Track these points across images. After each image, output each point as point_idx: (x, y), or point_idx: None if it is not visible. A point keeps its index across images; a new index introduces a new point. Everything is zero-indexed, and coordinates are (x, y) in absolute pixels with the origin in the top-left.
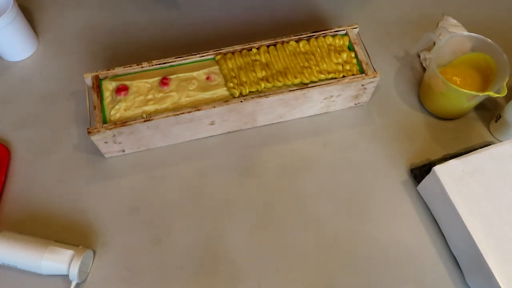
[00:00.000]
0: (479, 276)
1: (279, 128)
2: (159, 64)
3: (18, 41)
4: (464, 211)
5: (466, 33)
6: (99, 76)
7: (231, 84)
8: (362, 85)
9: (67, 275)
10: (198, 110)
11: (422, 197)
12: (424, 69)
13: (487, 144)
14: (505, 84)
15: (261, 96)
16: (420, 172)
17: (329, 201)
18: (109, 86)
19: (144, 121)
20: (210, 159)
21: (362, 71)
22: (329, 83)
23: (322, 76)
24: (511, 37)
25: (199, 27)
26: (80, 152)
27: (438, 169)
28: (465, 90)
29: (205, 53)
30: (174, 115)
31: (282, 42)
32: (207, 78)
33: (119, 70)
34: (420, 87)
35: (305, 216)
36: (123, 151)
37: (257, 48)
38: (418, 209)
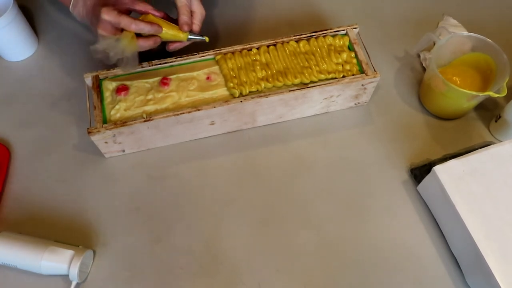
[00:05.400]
0: (479, 276)
1: (279, 128)
2: (159, 64)
3: (18, 41)
4: (464, 211)
5: (466, 33)
6: (99, 76)
7: (231, 84)
8: (362, 85)
9: (67, 275)
10: (198, 110)
11: (422, 197)
12: (424, 69)
13: (487, 144)
14: (505, 84)
15: (261, 96)
16: (420, 172)
17: (329, 201)
18: (109, 86)
19: (144, 121)
20: (210, 159)
21: (362, 71)
22: (329, 83)
23: (322, 76)
24: (511, 37)
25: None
26: (80, 152)
27: (438, 169)
28: (465, 90)
29: (205, 53)
30: (174, 115)
31: (282, 42)
32: (207, 78)
33: (119, 70)
34: (420, 87)
35: (305, 216)
36: (123, 151)
37: (257, 48)
38: (418, 209)
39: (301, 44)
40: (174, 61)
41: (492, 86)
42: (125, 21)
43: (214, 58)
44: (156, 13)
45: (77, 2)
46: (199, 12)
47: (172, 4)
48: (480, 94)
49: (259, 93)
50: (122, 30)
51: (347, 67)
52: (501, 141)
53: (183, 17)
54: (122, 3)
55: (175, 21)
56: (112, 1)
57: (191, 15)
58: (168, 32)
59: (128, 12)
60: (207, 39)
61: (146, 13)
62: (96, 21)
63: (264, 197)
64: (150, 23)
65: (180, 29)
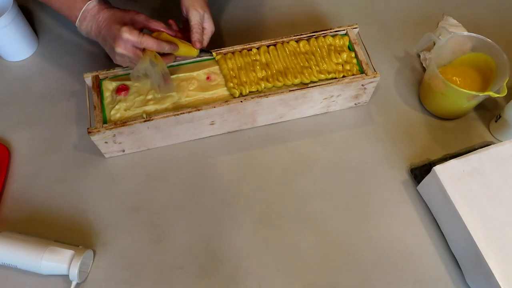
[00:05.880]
0: (479, 276)
1: (279, 128)
2: None
3: (18, 41)
4: (464, 211)
5: (466, 33)
6: (99, 76)
7: (231, 84)
8: (362, 85)
9: (67, 275)
10: (198, 110)
11: (422, 197)
12: (424, 69)
13: (487, 144)
14: (505, 84)
15: (261, 96)
16: (420, 172)
17: (329, 201)
18: (109, 86)
19: (144, 121)
20: (210, 159)
21: (362, 71)
22: (329, 83)
23: (322, 76)
24: (511, 37)
25: None
26: (80, 152)
27: (438, 169)
28: (465, 90)
29: None
30: (174, 115)
31: (282, 42)
32: (207, 78)
33: (119, 70)
34: (420, 87)
35: (305, 216)
36: (123, 151)
37: (257, 48)
38: (418, 209)
39: (301, 44)
40: (174, 61)
41: (492, 86)
42: (148, 41)
43: (214, 58)
44: (170, 32)
45: (85, 17)
46: (209, 29)
47: (176, 14)
48: (480, 94)
49: (259, 93)
50: (142, 49)
51: (347, 67)
52: (501, 141)
53: (196, 35)
54: (137, 21)
55: (181, 30)
56: (128, 20)
57: (202, 31)
58: (182, 49)
59: (141, 30)
60: (214, 54)
61: (160, 31)
62: (111, 38)
63: (264, 197)
64: (168, 42)
65: (193, 46)
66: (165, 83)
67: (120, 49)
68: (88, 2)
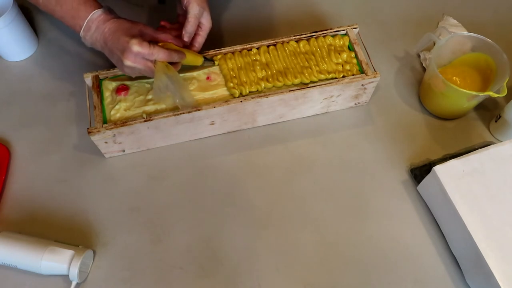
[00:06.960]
0: (479, 276)
1: (279, 128)
2: None
3: (18, 41)
4: (464, 211)
5: (466, 33)
6: (99, 76)
7: (231, 84)
8: (362, 85)
9: (67, 275)
10: (198, 110)
11: (422, 197)
12: (424, 69)
13: (487, 144)
14: (505, 84)
15: (261, 96)
16: (420, 172)
17: (329, 201)
18: (109, 86)
19: (144, 121)
20: (210, 159)
21: (362, 71)
22: (329, 83)
23: (322, 76)
24: (511, 37)
25: None
26: (80, 152)
27: (438, 169)
28: (465, 90)
29: (205, 53)
30: (174, 115)
31: (282, 42)
32: (207, 78)
33: (119, 70)
34: (420, 87)
35: (305, 216)
36: (123, 151)
37: (257, 48)
38: (418, 209)
39: (301, 44)
40: None
41: (492, 86)
42: (160, 53)
43: (216, 65)
44: (176, 42)
45: (89, 27)
46: (207, 25)
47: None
48: (480, 94)
49: (259, 93)
50: (151, 60)
51: (347, 67)
52: (501, 141)
53: (189, 27)
54: (145, 34)
55: (177, 27)
56: (136, 31)
57: (199, 27)
58: (188, 58)
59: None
60: (216, 63)
61: (167, 42)
62: (119, 50)
63: (264, 197)
64: (176, 51)
65: (182, 37)
66: (187, 93)
67: (129, 62)
68: (93, 12)
